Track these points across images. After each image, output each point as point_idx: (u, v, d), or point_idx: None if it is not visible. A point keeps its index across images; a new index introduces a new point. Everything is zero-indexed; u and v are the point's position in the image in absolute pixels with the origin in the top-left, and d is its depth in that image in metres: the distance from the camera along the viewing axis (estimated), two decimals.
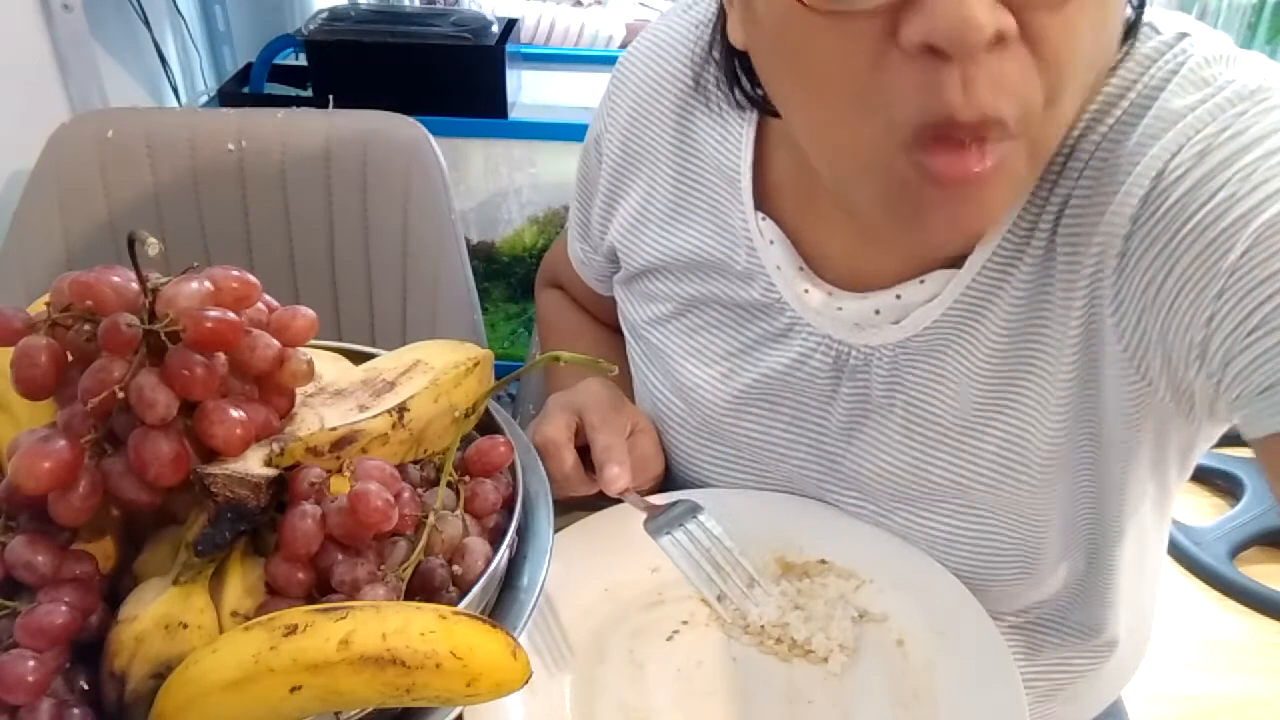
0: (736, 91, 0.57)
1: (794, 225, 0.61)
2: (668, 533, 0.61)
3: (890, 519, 0.62)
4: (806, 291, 0.60)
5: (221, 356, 0.42)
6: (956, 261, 0.55)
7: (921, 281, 0.56)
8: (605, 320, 0.85)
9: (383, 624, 0.38)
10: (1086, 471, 0.57)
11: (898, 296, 0.57)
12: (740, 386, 0.65)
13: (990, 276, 0.55)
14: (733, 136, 0.63)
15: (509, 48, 1.58)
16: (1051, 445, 0.56)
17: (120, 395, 0.39)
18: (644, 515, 0.62)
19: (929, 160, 0.43)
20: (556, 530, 0.52)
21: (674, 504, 0.63)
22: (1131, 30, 0.49)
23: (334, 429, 0.45)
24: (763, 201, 0.62)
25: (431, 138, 1.08)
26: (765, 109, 0.57)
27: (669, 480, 0.71)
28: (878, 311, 0.58)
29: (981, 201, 0.45)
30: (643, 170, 0.67)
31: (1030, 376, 0.55)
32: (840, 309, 0.59)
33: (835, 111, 0.45)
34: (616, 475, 0.60)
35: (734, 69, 0.56)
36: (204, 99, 1.71)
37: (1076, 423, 0.55)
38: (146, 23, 1.50)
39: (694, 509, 0.62)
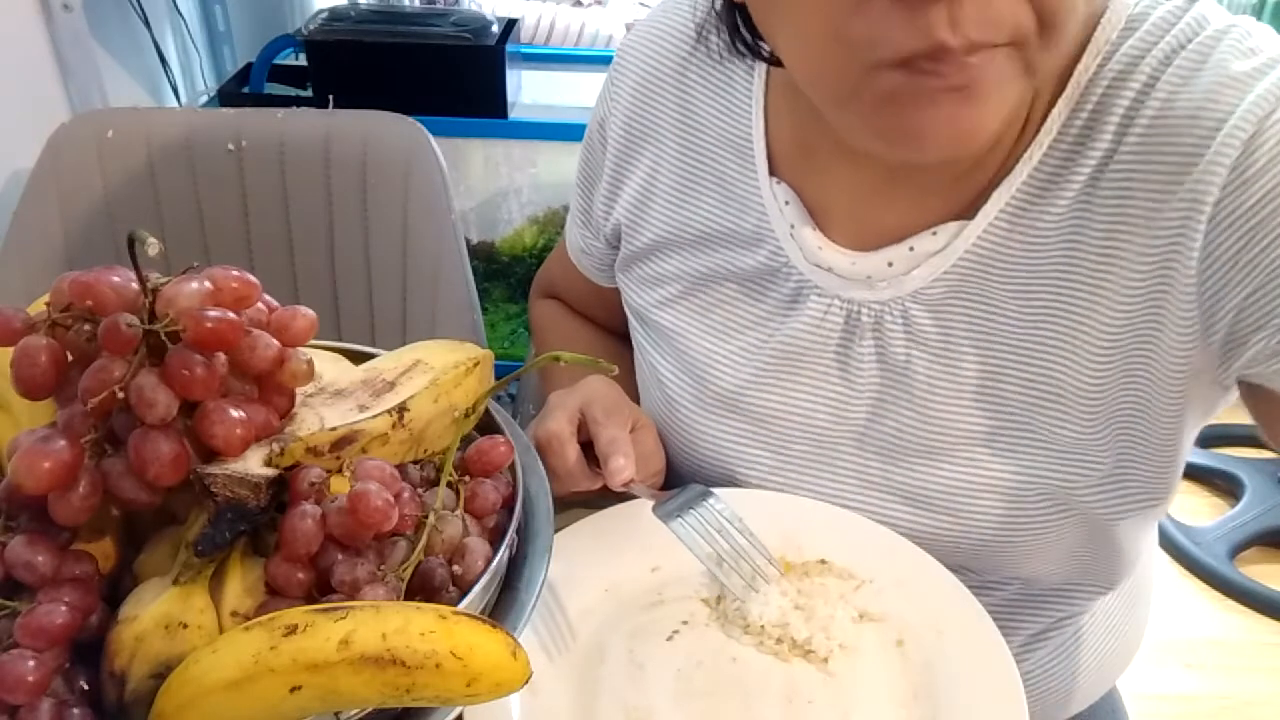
0: (738, 42, 0.60)
1: (799, 186, 0.63)
2: (678, 516, 0.60)
3: (911, 476, 0.62)
4: (821, 249, 0.61)
5: (221, 356, 0.42)
6: (967, 213, 0.57)
7: (934, 233, 0.58)
8: (603, 324, 0.85)
9: (383, 624, 0.38)
10: (1130, 414, 0.57)
11: (911, 248, 0.59)
12: (760, 360, 0.65)
13: (1005, 225, 0.56)
14: (739, 107, 0.65)
15: (509, 48, 1.58)
16: (1094, 384, 0.56)
17: (120, 395, 0.39)
18: (651, 505, 0.61)
19: (920, 64, 0.45)
20: (556, 530, 0.52)
21: (682, 490, 0.63)
22: None
23: (334, 429, 0.45)
24: (771, 167, 0.64)
25: (431, 138, 1.08)
26: (766, 59, 0.60)
27: (681, 465, 0.71)
28: (890, 264, 0.59)
29: (979, 101, 0.46)
30: (647, 149, 0.69)
31: (1063, 319, 0.56)
32: (854, 264, 0.60)
33: (822, 49, 0.47)
34: (622, 467, 0.60)
35: (735, 21, 0.59)
36: (204, 99, 1.72)
37: (1124, 364, 0.55)
38: (146, 23, 1.50)
39: (704, 494, 0.62)
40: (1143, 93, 0.52)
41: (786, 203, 0.63)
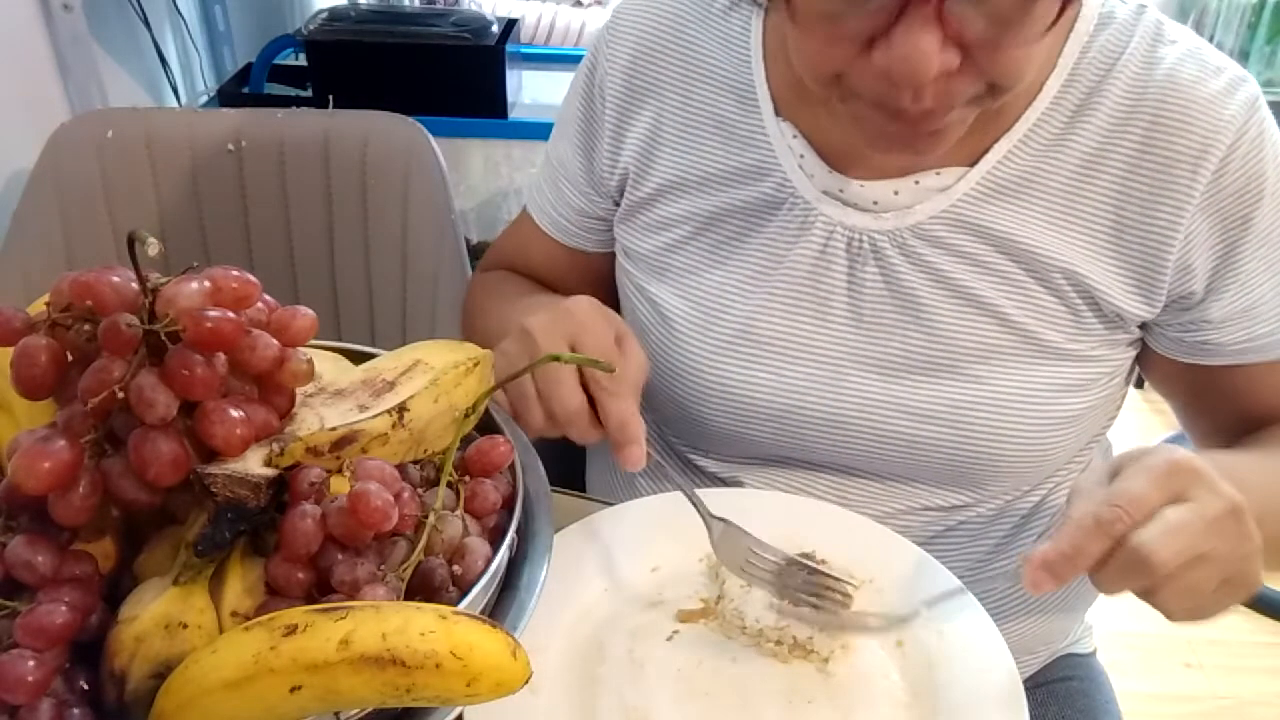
0: None
1: (802, 126, 0.67)
2: (750, 565, 0.58)
3: (914, 392, 0.66)
4: (831, 172, 0.66)
5: (221, 356, 0.42)
6: (967, 161, 0.63)
7: (938, 173, 0.64)
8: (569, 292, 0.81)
9: (383, 624, 0.38)
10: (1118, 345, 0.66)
11: (916, 182, 0.64)
12: (769, 286, 0.68)
13: (1005, 174, 0.63)
14: (738, 54, 0.69)
15: (509, 48, 1.59)
16: (1089, 310, 0.65)
17: (120, 395, 0.39)
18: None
19: (890, 109, 0.54)
20: (556, 530, 0.52)
21: (710, 520, 0.59)
22: None
23: (334, 429, 0.45)
24: (775, 107, 0.68)
25: (431, 138, 1.08)
26: (764, 6, 0.66)
27: (681, 398, 0.70)
28: (896, 193, 0.64)
29: (934, 141, 0.57)
30: (649, 103, 0.72)
31: (1064, 257, 0.63)
32: (863, 186, 0.65)
33: (816, 71, 0.56)
34: (639, 459, 0.57)
35: None
36: (204, 99, 1.71)
37: (1121, 292, 0.64)
38: (146, 23, 1.50)
39: (742, 534, 0.58)
40: (1135, 90, 0.62)
41: (795, 136, 0.66)
